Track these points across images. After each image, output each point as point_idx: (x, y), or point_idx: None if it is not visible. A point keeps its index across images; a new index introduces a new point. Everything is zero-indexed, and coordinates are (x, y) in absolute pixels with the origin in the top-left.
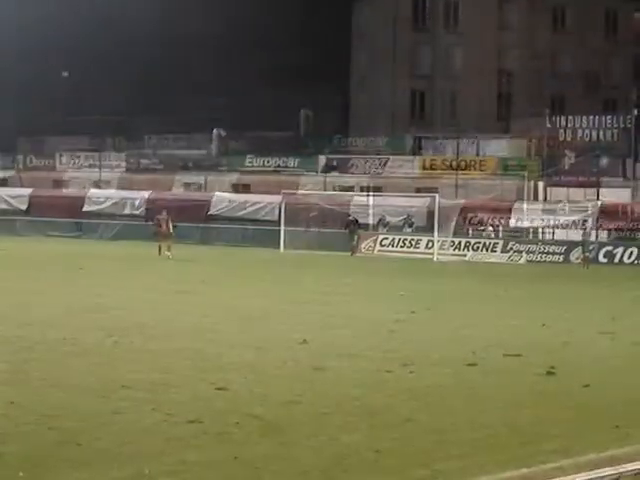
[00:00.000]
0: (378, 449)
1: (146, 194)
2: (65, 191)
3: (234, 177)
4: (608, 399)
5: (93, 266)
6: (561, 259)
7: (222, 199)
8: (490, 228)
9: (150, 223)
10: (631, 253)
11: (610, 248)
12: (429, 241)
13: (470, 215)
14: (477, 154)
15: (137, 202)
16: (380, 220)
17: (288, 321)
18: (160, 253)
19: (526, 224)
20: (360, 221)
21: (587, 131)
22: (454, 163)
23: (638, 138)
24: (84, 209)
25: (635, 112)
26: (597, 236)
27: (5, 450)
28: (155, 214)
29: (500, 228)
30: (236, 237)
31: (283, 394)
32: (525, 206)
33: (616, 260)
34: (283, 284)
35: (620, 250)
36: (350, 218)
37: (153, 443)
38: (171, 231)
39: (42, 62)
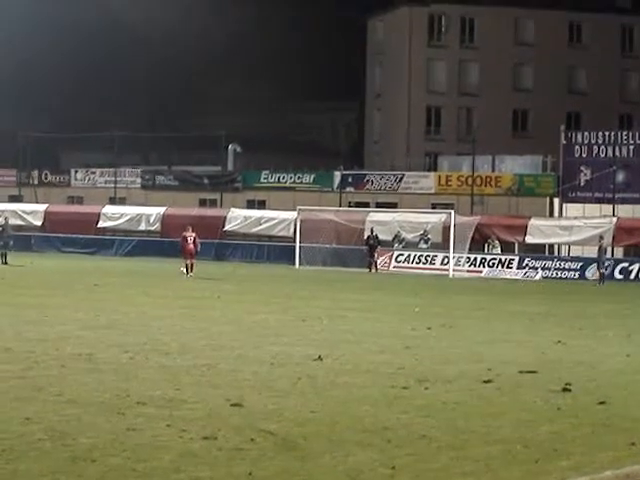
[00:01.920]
0: (393, 465)
1: (161, 210)
2: (80, 207)
3: (249, 193)
4: (624, 416)
5: (108, 282)
6: (577, 275)
7: (237, 215)
8: (497, 242)
9: (165, 239)
10: None
11: (626, 264)
12: (445, 257)
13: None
14: (493, 170)
15: (152, 218)
16: (396, 236)
17: (303, 337)
18: (187, 272)
19: (542, 240)
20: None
21: (603, 147)
22: (470, 179)
23: None
24: (99, 225)
25: None
26: (613, 253)
27: (19, 467)
28: (170, 230)
29: (516, 244)
30: (251, 253)
31: (298, 410)
32: (541, 222)
33: (632, 277)
34: (298, 300)
35: (636, 267)
36: (370, 234)
37: (167, 459)
38: (198, 249)
39: (56, 77)
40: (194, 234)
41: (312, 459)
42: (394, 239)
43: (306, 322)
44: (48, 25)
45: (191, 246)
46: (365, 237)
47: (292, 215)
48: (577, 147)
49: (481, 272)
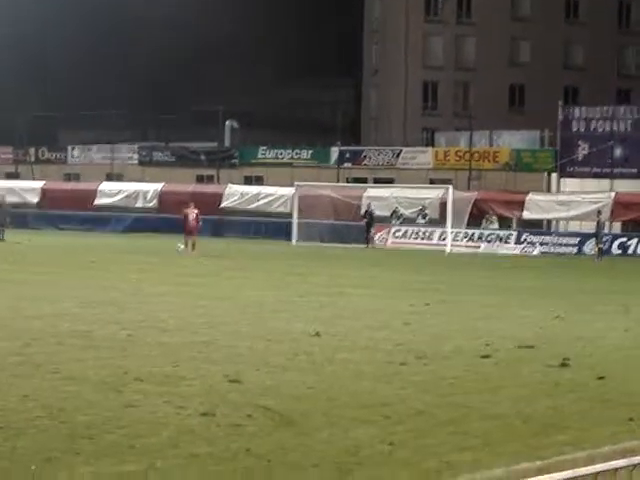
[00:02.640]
0: (392, 441)
1: (159, 187)
2: (77, 184)
3: (247, 169)
4: (622, 391)
5: (105, 259)
6: (575, 251)
7: (234, 191)
8: (494, 217)
9: (162, 215)
10: None
11: (624, 239)
12: (442, 233)
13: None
14: (490, 145)
15: (149, 195)
16: (393, 212)
17: (300, 313)
18: (188, 251)
19: (540, 216)
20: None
21: (600, 122)
22: (467, 155)
23: None
24: (96, 202)
25: None
26: (611, 227)
27: (17, 444)
28: (168, 207)
29: (514, 220)
30: (248, 230)
31: (296, 386)
32: (539, 197)
33: (630, 251)
34: (295, 276)
35: (634, 242)
36: (367, 209)
37: (165, 436)
38: (200, 224)
39: (53, 55)
40: (196, 210)
41: (310, 435)
42: (392, 215)
43: (303, 298)
44: (47, 3)
45: (193, 223)
46: (362, 213)
47: (289, 191)
48: (574, 122)
49: (479, 247)
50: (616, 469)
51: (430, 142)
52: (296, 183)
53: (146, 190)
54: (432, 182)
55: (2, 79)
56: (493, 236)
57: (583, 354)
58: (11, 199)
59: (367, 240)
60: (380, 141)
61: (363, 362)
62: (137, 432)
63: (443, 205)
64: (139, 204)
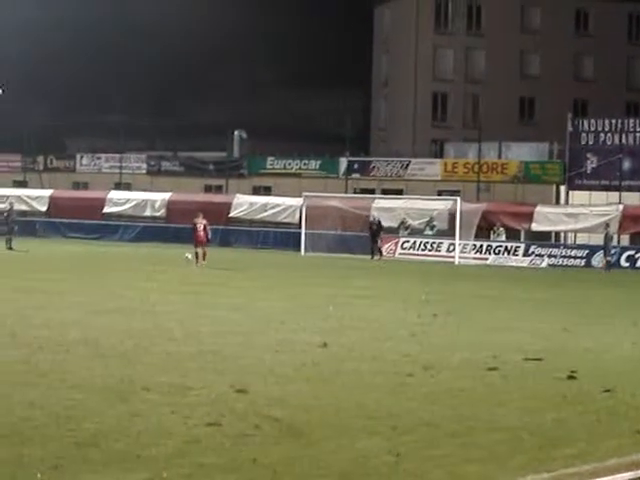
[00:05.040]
0: (398, 452)
1: (167, 196)
2: (85, 192)
3: (255, 180)
4: (629, 404)
5: (113, 268)
6: (583, 263)
7: (243, 202)
8: (502, 229)
9: (170, 225)
10: None
11: (632, 252)
12: (450, 244)
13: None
14: (499, 157)
15: (157, 204)
16: (402, 223)
17: (308, 324)
18: (197, 261)
19: (548, 228)
20: (382, 224)
21: (609, 134)
22: (476, 166)
23: None
24: (104, 211)
25: None
26: (619, 240)
27: (24, 452)
28: (176, 216)
29: (522, 232)
30: (257, 240)
31: (303, 397)
32: (547, 210)
33: (638, 264)
34: (303, 287)
35: None
36: (372, 220)
37: (172, 445)
38: (209, 236)
39: (61, 63)
40: (205, 221)
41: (317, 446)
42: (400, 226)
43: (311, 309)
44: (53, 12)
45: (202, 233)
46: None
47: (298, 201)
48: (584, 134)
49: (487, 259)
50: None
51: (439, 154)
52: (304, 194)
53: (154, 199)
54: (440, 193)
55: (10, 87)
56: (501, 248)
57: (590, 366)
58: (19, 207)
59: (372, 251)
60: (389, 152)
61: (370, 373)
62: (143, 441)
63: (451, 216)
64: (147, 213)
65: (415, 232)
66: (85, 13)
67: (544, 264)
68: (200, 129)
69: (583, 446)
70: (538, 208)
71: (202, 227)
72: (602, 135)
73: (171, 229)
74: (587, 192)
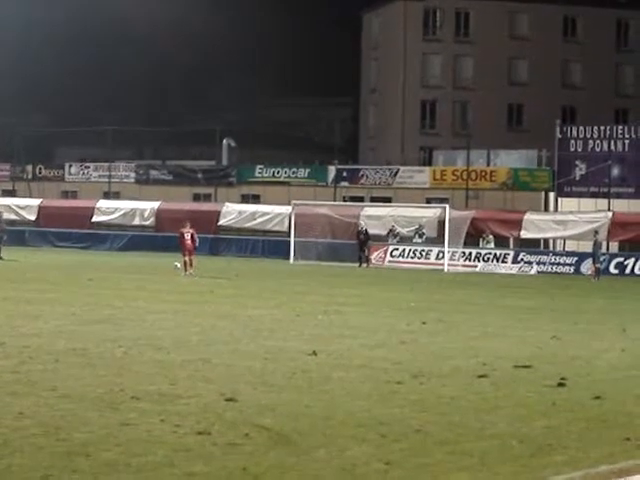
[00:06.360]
0: (388, 460)
1: (156, 205)
2: (74, 201)
3: (244, 188)
4: (619, 411)
5: (102, 277)
6: (572, 270)
7: (232, 210)
8: (491, 236)
9: (159, 234)
10: None
11: (621, 259)
12: (439, 252)
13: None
14: (488, 165)
15: (146, 213)
16: (390, 231)
17: (297, 332)
18: (186, 269)
19: (537, 235)
20: (370, 232)
21: (598, 141)
22: (464, 174)
23: None
24: (93, 220)
25: None
26: (608, 247)
27: (13, 461)
28: (165, 225)
29: (511, 239)
30: (246, 248)
31: (292, 405)
32: (536, 217)
33: (627, 271)
34: (292, 295)
35: (631, 261)
36: (360, 228)
37: (161, 454)
38: (197, 245)
39: (49, 72)
40: (192, 230)
41: (307, 454)
42: (389, 234)
43: (300, 317)
44: (45, 21)
45: (189, 242)
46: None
47: (286, 210)
48: (572, 141)
49: (476, 267)
50: None
51: (428, 161)
52: (293, 202)
53: (143, 208)
54: (429, 201)
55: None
56: (490, 255)
57: (580, 374)
58: (8, 216)
59: (360, 259)
60: (378, 160)
61: (360, 381)
62: (133, 450)
63: (440, 224)
64: (136, 222)
65: (404, 240)
66: (75, 23)
67: (533, 271)
68: (189, 138)
69: (573, 453)
70: (527, 215)
71: (189, 236)
72: (591, 142)
73: (160, 238)
74: (576, 199)
